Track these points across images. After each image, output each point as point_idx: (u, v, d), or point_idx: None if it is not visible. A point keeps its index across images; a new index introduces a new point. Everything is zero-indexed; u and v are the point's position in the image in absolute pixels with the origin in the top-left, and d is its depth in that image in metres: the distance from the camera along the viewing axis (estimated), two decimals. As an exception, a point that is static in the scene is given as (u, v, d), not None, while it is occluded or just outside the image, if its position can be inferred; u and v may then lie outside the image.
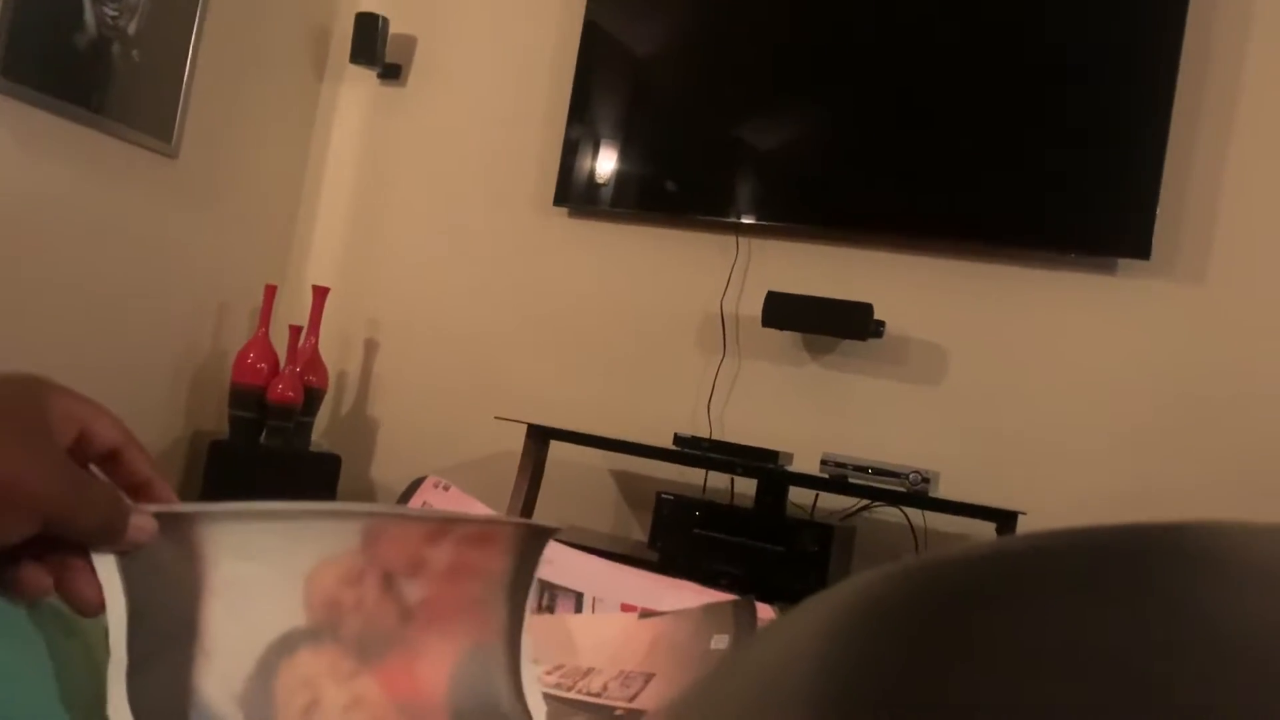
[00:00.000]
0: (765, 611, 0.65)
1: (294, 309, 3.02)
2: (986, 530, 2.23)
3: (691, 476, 2.63)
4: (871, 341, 2.51)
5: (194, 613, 0.42)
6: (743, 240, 2.68)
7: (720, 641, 0.59)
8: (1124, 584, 0.23)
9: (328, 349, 2.93)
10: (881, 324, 2.48)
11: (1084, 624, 0.21)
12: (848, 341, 2.55)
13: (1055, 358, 2.43)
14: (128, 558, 0.41)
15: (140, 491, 0.45)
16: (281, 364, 2.77)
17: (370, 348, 3.07)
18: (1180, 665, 0.19)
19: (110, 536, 0.42)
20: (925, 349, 2.53)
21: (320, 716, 0.44)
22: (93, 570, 0.41)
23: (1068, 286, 2.43)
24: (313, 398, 2.80)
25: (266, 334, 2.79)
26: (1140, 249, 2.31)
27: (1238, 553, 0.25)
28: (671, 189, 2.75)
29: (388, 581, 0.49)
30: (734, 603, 0.63)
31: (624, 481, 2.75)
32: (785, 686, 0.21)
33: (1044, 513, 2.27)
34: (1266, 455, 2.25)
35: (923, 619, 0.24)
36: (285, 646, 0.44)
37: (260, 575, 0.44)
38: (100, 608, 0.41)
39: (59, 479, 0.41)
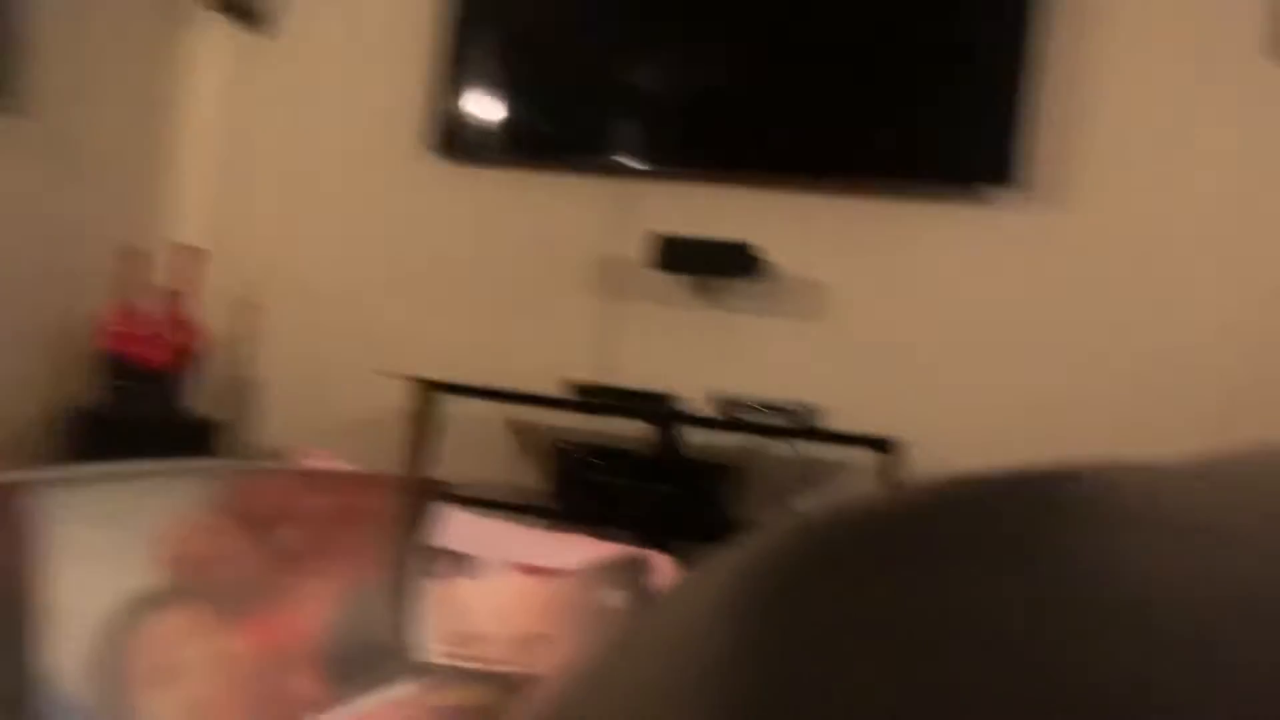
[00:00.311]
0: (662, 563, 0.65)
1: (163, 270, 2.88)
2: (868, 459, 2.29)
3: (586, 422, 2.63)
4: (755, 280, 2.53)
5: (29, 585, 0.40)
6: (625, 183, 2.66)
7: (615, 599, 0.59)
8: (1029, 543, 0.23)
9: (200, 311, 2.81)
10: (766, 262, 2.50)
11: (990, 592, 0.21)
12: (733, 281, 2.57)
13: (931, 289, 2.49)
14: None
15: None
16: (151, 328, 2.65)
17: (246, 308, 2.96)
18: (1088, 638, 0.18)
19: None
20: (807, 286, 2.56)
21: (178, 678, 0.43)
22: None
23: (942, 219, 2.49)
24: (188, 362, 2.69)
25: (135, 297, 2.66)
26: (1007, 178, 2.37)
27: (1144, 502, 0.25)
28: (551, 134, 2.70)
29: (259, 531, 0.47)
30: (629, 559, 0.62)
31: (519, 431, 2.73)
32: (683, 670, 0.20)
33: (923, 440, 2.34)
34: (1138, 374, 2.36)
35: (822, 589, 0.23)
36: (137, 609, 0.42)
37: (101, 538, 0.42)
38: None
39: None
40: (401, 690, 0.51)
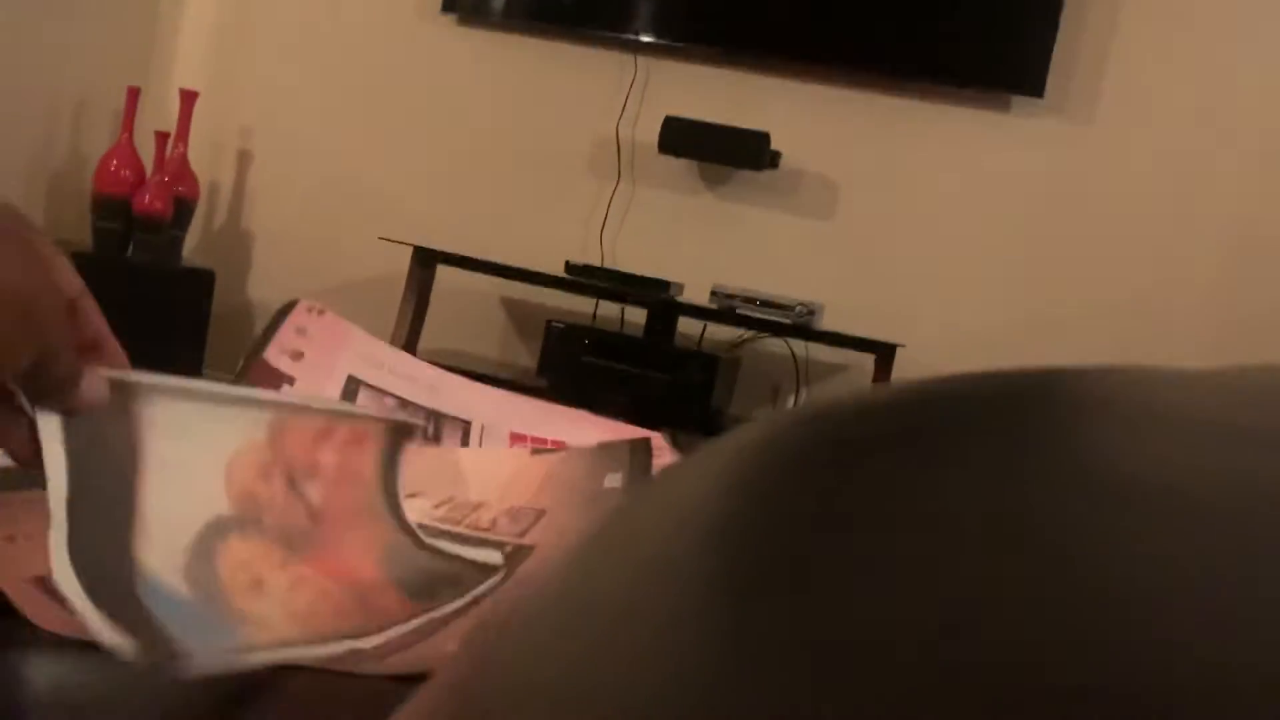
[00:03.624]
0: (660, 446, 0.64)
1: (160, 113, 2.81)
2: (866, 362, 2.29)
3: (581, 304, 2.61)
4: (767, 172, 2.48)
5: (132, 486, 0.42)
6: (641, 60, 2.59)
7: (614, 480, 0.58)
8: (1035, 430, 0.23)
9: (198, 158, 2.76)
10: (778, 154, 2.45)
11: (990, 471, 0.20)
12: (743, 171, 2.52)
13: (945, 193, 2.45)
14: (71, 420, 0.39)
15: (89, 350, 0.41)
16: (148, 173, 2.59)
17: (244, 158, 2.90)
18: (1086, 518, 0.18)
19: (66, 393, 0.39)
20: (818, 181, 2.52)
21: (267, 593, 0.45)
22: (32, 424, 0.39)
23: (961, 122, 2.43)
24: (183, 210, 2.64)
25: (130, 139, 2.60)
26: (1035, 87, 2.31)
27: (1145, 399, 0.25)
28: (568, 0, 2.61)
29: (291, 480, 0.49)
30: (630, 442, 0.61)
31: (512, 308, 2.71)
32: (680, 545, 0.20)
33: (923, 346, 2.33)
34: (1136, 289, 2.35)
35: (821, 468, 0.22)
36: (217, 531, 0.44)
37: (191, 457, 0.44)
38: (32, 460, 0.39)
39: (59, 315, 0.38)
40: (485, 589, 0.51)
